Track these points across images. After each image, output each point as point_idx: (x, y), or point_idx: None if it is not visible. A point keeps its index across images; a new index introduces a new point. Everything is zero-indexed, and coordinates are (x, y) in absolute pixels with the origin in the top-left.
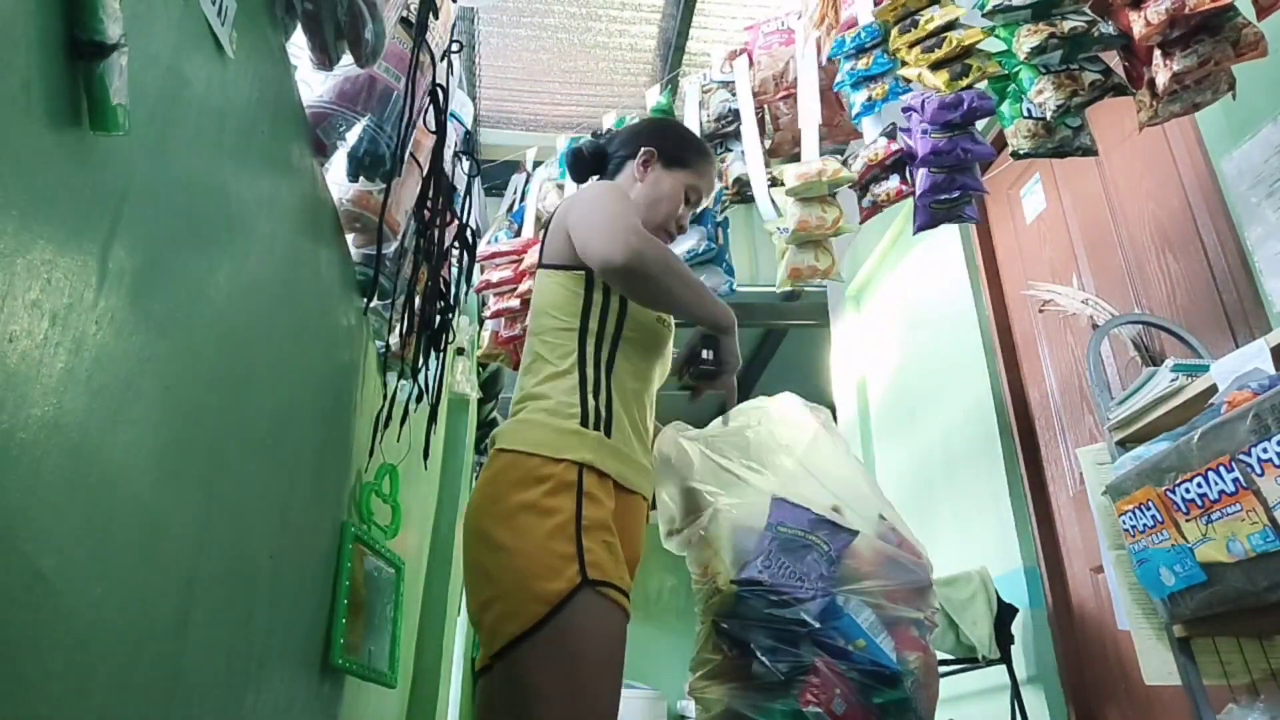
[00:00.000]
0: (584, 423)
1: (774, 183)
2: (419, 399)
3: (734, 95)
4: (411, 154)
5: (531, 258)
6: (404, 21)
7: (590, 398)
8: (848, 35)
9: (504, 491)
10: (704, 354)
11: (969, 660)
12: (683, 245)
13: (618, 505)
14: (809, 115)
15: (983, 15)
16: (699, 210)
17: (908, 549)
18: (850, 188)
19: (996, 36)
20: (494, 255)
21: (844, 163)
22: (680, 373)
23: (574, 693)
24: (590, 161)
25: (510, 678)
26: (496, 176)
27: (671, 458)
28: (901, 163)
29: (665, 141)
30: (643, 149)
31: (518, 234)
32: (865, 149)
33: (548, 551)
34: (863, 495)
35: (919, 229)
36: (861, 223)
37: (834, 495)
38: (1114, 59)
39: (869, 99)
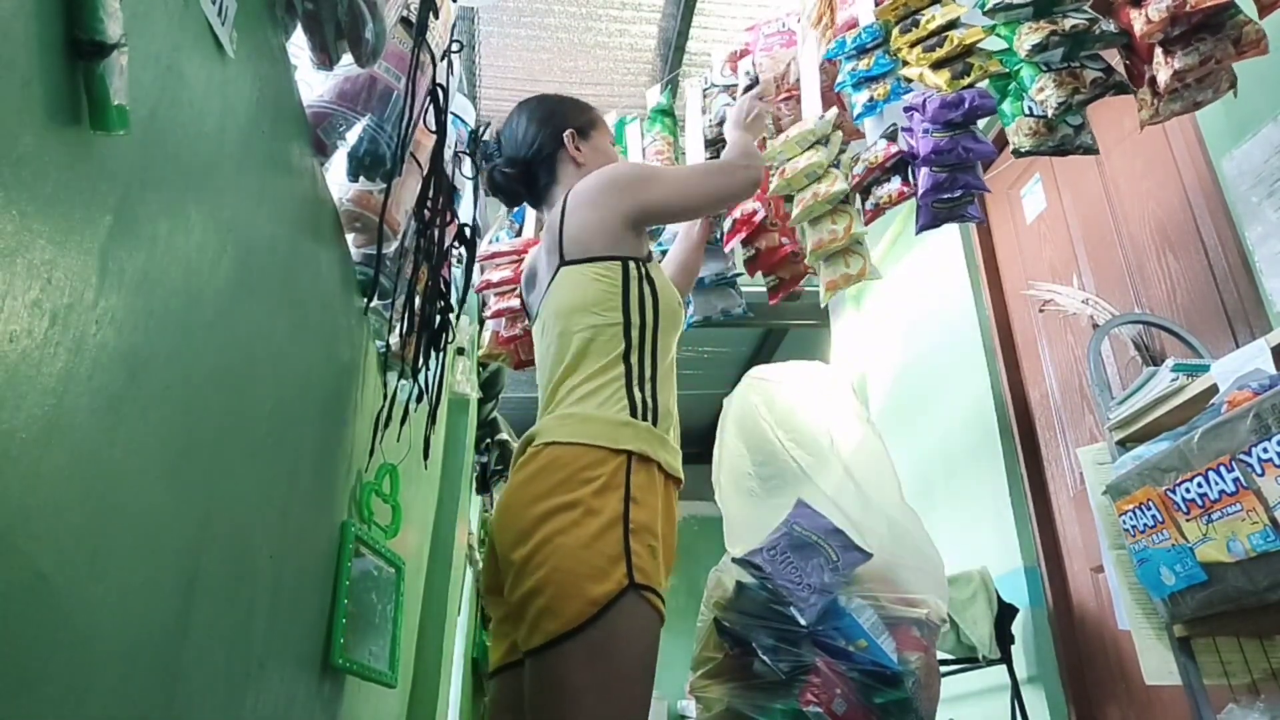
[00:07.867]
0: (633, 414)
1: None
2: (419, 399)
3: (735, 100)
4: (412, 154)
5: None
6: (404, 21)
7: (636, 390)
8: (848, 36)
9: (550, 488)
10: None
11: (969, 660)
12: (711, 268)
13: (664, 496)
14: (811, 114)
15: (984, 13)
16: None
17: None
18: (851, 191)
19: (997, 35)
20: (494, 255)
21: (850, 160)
22: None
23: (612, 695)
24: (522, 180)
25: (546, 676)
26: None
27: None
28: (902, 164)
29: (568, 118)
30: (564, 135)
31: (518, 233)
32: (866, 151)
33: (595, 552)
34: (894, 502)
35: (921, 228)
36: (865, 225)
37: (865, 497)
38: (1115, 58)
39: (870, 99)
